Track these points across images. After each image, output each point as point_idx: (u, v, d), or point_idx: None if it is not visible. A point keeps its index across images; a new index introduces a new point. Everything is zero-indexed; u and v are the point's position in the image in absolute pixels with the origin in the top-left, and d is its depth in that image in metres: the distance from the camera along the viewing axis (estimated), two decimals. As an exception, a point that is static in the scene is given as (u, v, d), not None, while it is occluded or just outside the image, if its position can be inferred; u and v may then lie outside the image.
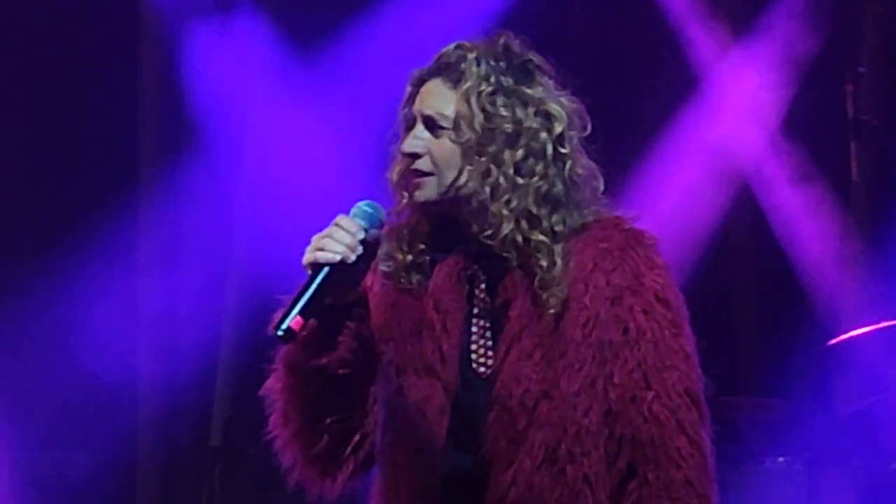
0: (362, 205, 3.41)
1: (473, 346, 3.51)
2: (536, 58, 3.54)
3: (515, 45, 3.52)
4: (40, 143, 9.60)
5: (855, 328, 7.16)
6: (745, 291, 9.36)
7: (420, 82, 3.53)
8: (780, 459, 7.26)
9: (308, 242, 3.40)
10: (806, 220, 8.88)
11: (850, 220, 8.79)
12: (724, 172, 8.78)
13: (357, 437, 3.57)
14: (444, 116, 3.46)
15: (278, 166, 9.29)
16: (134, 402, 9.53)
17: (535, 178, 3.53)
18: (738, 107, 9.16)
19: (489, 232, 3.47)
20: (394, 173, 3.53)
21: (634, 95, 9.41)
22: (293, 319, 3.28)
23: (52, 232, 9.35)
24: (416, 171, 3.48)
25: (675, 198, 8.75)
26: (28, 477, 9.14)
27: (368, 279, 3.58)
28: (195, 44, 9.48)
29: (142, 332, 9.47)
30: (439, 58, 3.54)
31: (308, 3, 9.40)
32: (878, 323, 7.07)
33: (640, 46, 9.82)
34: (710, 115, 8.92)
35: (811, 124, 8.80)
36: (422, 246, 3.62)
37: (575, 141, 3.54)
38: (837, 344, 7.13)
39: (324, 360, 3.43)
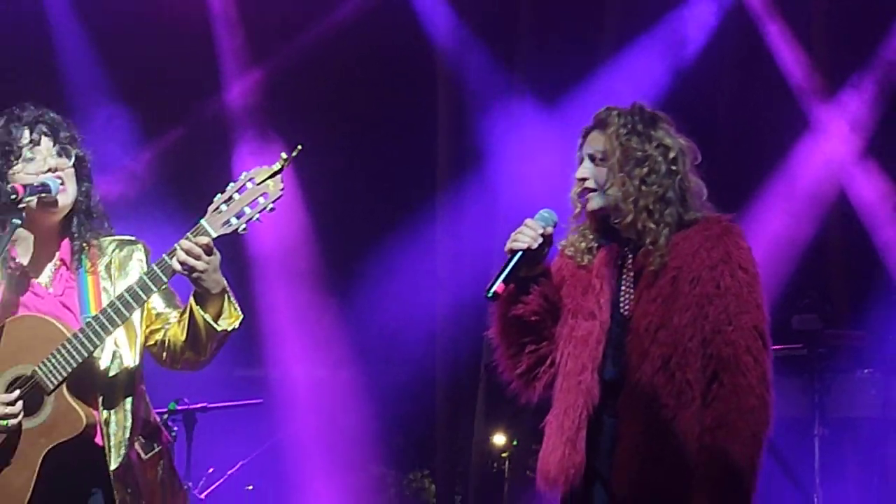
0: (542, 211, 4.61)
1: (621, 299, 4.60)
2: (661, 114, 4.68)
3: (644, 106, 4.68)
4: (365, 166, 11.02)
5: None
6: (837, 266, 10.30)
7: (586, 133, 4.66)
8: (866, 371, 8.37)
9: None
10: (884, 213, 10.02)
11: None
12: (822, 195, 9.80)
13: (547, 362, 4.64)
14: (599, 151, 4.56)
15: (529, 191, 9.95)
16: (431, 339, 11.05)
17: (654, 187, 4.51)
18: (841, 141, 10.16)
19: (618, 220, 4.55)
20: (573, 193, 4.64)
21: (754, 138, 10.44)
22: (497, 286, 4.48)
23: (377, 230, 10.85)
24: (585, 189, 4.58)
25: (790, 209, 9.86)
26: (364, 385, 10.71)
27: (556, 262, 4.71)
28: (477, 91, 10.76)
29: (438, 296, 11.01)
30: (596, 117, 4.68)
31: (555, 65, 10.56)
32: None
33: (765, 109, 10.71)
34: (817, 149, 9.97)
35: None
36: (591, 238, 4.68)
37: (687, 165, 4.60)
38: None
39: (520, 311, 4.58)
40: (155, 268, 4.57)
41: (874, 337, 8.51)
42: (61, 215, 4.80)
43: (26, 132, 4.82)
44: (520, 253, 4.52)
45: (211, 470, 8.21)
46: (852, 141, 10.19)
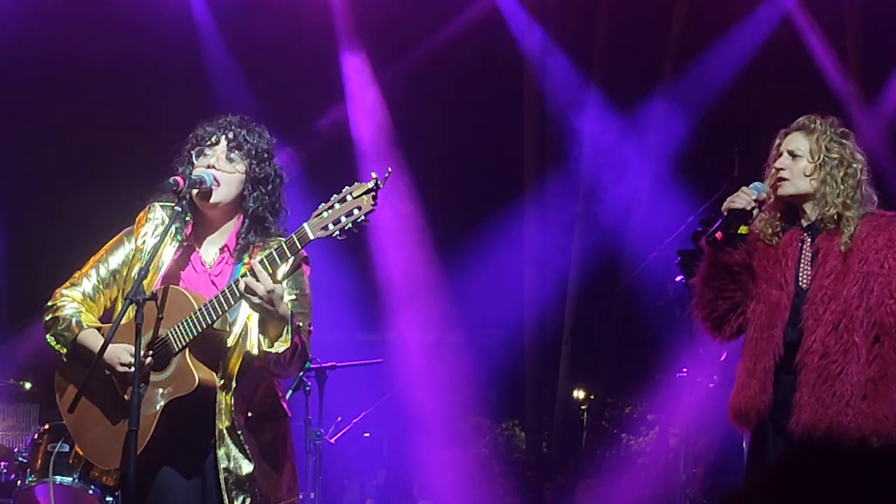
0: (756, 183, 4.83)
1: (801, 274, 4.84)
2: (848, 130, 4.92)
3: (838, 120, 4.89)
4: (466, 161, 11.13)
5: None
6: None
7: (785, 135, 4.88)
8: None
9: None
10: None
11: None
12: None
13: (739, 310, 4.92)
14: (801, 150, 4.80)
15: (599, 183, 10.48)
16: (521, 308, 11.16)
17: (849, 187, 4.79)
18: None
19: (825, 209, 4.78)
20: (768, 181, 4.86)
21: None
22: (717, 233, 4.75)
23: (476, 217, 10.96)
24: (781, 178, 4.82)
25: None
26: (465, 347, 10.71)
27: (752, 235, 4.88)
28: (559, 96, 10.76)
29: (527, 272, 11.19)
30: (798, 122, 4.88)
31: (628, 72, 10.68)
32: None
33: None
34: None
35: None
36: (777, 222, 4.92)
37: (866, 174, 4.84)
38: None
39: (728, 258, 4.84)
40: (234, 284, 4.65)
41: None
42: (220, 209, 4.88)
43: (214, 135, 4.89)
44: (735, 212, 4.83)
45: (339, 419, 8.25)
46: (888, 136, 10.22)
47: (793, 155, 4.85)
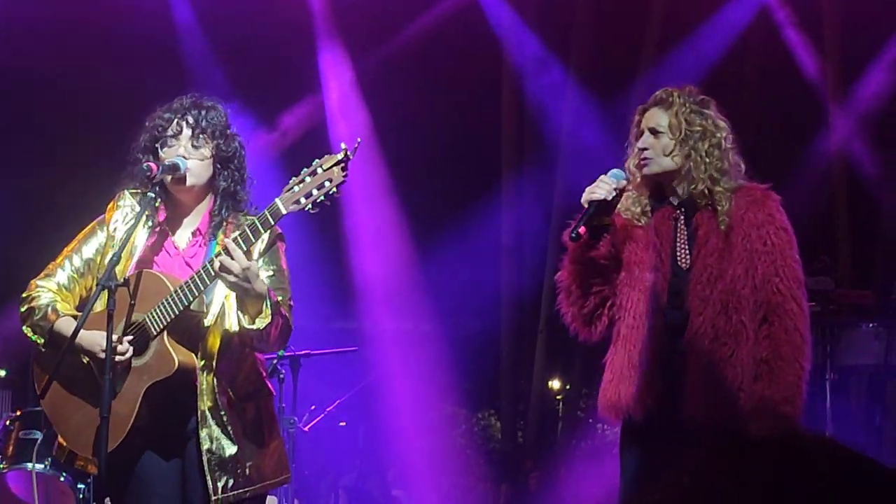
0: (614, 170, 4.66)
1: (678, 253, 4.70)
2: (708, 98, 4.78)
3: (695, 89, 4.76)
4: (443, 150, 11.06)
5: None
6: (845, 235, 10.35)
7: (643, 111, 4.76)
8: (871, 325, 8.43)
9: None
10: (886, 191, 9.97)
11: None
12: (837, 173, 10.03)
13: (609, 303, 4.72)
14: (661, 126, 4.65)
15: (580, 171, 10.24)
16: (497, 298, 11.20)
17: (714, 159, 4.62)
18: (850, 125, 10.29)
19: (692, 186, 4.62)
20: (630, 162, 4.73)
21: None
22: (580, 229, 4.53)
23: (452, 206, 11.01)
24: (645, 158, 4.66)
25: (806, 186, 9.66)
26: (441, 337, 10.68)
27: (618, 219, 4.70)
28: (536, 87, 10.83)
29: (503, 262, 11.24)
30: (655, 97, 4.76)
31: (605, 60, 10.76)
32: None
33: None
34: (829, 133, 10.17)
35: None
36: (646, 201, 4.75)
37: (730, 142, 4.68)
38: None
39: (592, 253, 4.66)
40: (208, 264, 4.63)
41: (878, 295, 8.73)
42: (192, 193, 4.88)
43: (175, 122, 4.87)
44: (595, 203, 4.61)
45: (313, 407, 8.25)
46: (860, 124, 10.33)
47: (654, 132, 4.73)
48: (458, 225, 10.72)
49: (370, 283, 10.64)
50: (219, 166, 4.89)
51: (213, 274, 4.58)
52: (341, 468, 8.71)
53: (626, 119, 7.87)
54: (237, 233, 4.65)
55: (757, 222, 4.64)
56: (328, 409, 8.16)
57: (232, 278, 4.51)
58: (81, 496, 7.21)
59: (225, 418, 4.82)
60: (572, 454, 10.60)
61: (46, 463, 7.22)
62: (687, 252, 4.75)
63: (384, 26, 10.65)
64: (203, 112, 4.91)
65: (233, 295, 4.70)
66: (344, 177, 4.55)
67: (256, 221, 4.59)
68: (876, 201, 9.81)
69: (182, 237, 4.93)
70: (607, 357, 4.81)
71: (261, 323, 4.64)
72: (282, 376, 7.50)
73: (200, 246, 4.90)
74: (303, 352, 7.74)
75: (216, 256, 4.56)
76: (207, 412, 4.78)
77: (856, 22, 10.34)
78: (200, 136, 4.88)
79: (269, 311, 4.64)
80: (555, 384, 11.32)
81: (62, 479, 7.26)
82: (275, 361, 7.39)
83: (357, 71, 10.72)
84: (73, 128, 9.96)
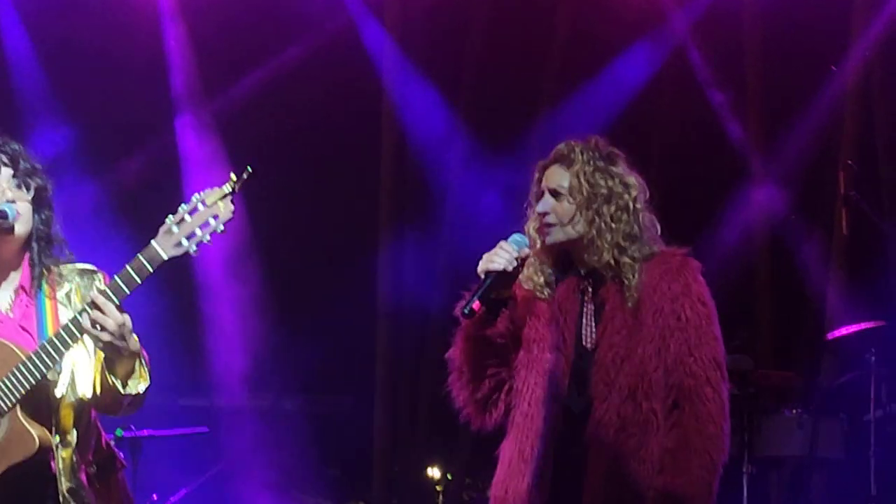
0: (515, 235, 4.57)
1: (584, 331, 4.59)
2: (615, 149, 4.66)
3: (602, 142, 4.63)
4: (310, 201, 10.93)
5: (841, 328, 8.30)
6: (766, 309, 10.47)
7: (543, 169, 4.63)
8: (794, 411, 8.34)
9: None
10: (813, 261, 10.24)
11: (838, 260, 10.17)
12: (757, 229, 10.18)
13: (506, 387, 4.62)
14: (563, 187, 4.53)
15: (469, 229, 10.21)
16: (371, 372, 10.98)
17: (622, 224, 4.52)
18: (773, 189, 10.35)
19: (596, 258, 4.53)
20: (530, 227, 4.64)
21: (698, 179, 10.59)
22: (474, 303, 4.45)
23: (321, 263, 10.99)
24: (546, 223, 4.56)
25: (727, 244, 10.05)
26: (305, 416, 10.47)
27: (518, 290, 4.66)
28: (422, 138, 10.81)
29: (378, 329, 11.06)
30: (556, 152, 4.63)
31: (497, 113, 10.71)
32: (856, 325, 8.14)
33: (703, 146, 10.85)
34: (750, 195, 10.20)
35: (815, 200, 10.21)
36: (549, 271, 4.66)
37: (642, 201, 4.60)
38: (832, 339, 8.30)
39: (488, 332, 4.54)
40: (77, 316, 4.53)
41: (802, 378, 8.59)
42: (19, 243, 4.75)
43: None
44: (493, 274, 4.47)
45: (155, 497, 8.09)
46: (784, 190, 10.33)
47: (555, 193, 4.60)
48: (330, 288, 10.63)
49: (225, 352, 10.47)
50: (37, 208, 4.91)
51: (78, 334, 4.54)
52: None
53: (521, 172, 7.41)
54: (106, 284, 4.63)
55: (672, 295, 4.51)
56: (172, 501, 8.09)
57: (106, 336, 4.45)
58: None
59: (86, 497, 4.69)
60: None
61: None
62: (592, 330, 4.64)
63: (244, 58, 10.69)
64: (17, 149, 4.90)
65: (81, 361, 4.72)
66: (231, 212, 4.45)
67: (131, 269, 4.52)
68: (801, 270, 9.99)
69: (3, 299, 4.87)
70: (500, 448, 4.67)
71: (138, 386, 4.63)
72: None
73: (28, 306, 4.86)
74: (145, 432, 7.74)
75: (83, 313, 4.52)
76: (69, 495, 4.63)
77: (778, 85, 10.57)
78: (24, 177, 4.86)
79: (145, 372, 4.66)
80: (434, 472, 10.98)
81: None
82: (111, 442, 7.17)
83: (212, 110, 10.67)
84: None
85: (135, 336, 4.59)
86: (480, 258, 4.50)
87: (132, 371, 4.59)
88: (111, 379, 4.56)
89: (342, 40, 10.49)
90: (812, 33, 10.11)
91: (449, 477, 10.96)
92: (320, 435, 10.34)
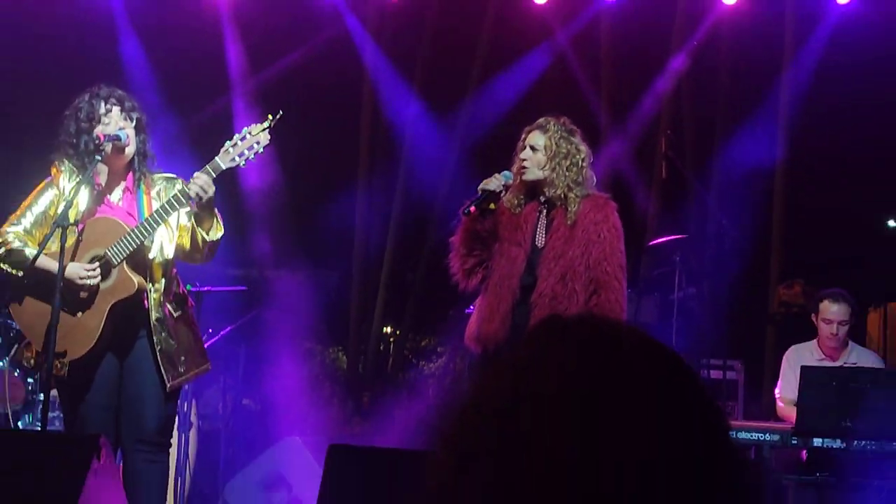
0: (506, 171, 4.89)
1: (537, 236, 4.85)
2: (575, 127, 4.98)
3: (568, 120, 4.95)
4: (314, 150, 10.63)
5: (657, 239, 8.02)
6: None
7: (528, 132, 4.90)
8: (627, 290, 6.67)
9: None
10: (641, 195, 9.94)
11: (657, 194, 9.81)
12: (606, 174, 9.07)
13: (484, 265, 4.93)
14: (539, 145, 4.82)
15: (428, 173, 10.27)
16: (349, 260, 10.73)
17: (573, 174, 4.81)
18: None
19: (552, 192, 4.80)
20: (514, 168, 4.89)
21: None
22: (471, 208, 4.77)
23: (326, 189, 10.73)
24: (524, 167, 4.85)
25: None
26: (309, 284, 10.22)
27: (500, 205, 4.90)
28: (394, 106, 10.59)
29: (357, 237, 10.79)
30: (537, 122, 4.93)
31: (450, 84, 10.56)
32: (667, 237, 7.83)
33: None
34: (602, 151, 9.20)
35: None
36: (521, 197, 4.95)
37: (587, 162, 4.93)
38: (651, 245, 8.07)
39: (478, 227, 4.87)
40: (182, 192, 4.73)
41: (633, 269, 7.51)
42: (127, 159, 4.93)
43: (103, 104, 4.87)
44: (488, 191, 4.84)
45: (210, 331, 7.97)
46: (627, 148, 10.12)
47: (533, 149, 4.88)
48: (332, 203, 10.64)
49: (260, 240, 10.35)
50: (136, 133, 4.94)
51: (182, 201, 4.71)
52: (227, 380, 8.44)
53: (457, 131, 8.43)
54: (199, 175, 4.78)
55: (595, 220, 4.84)
56: (221, 334, 8.01)
57: (207, 197, 4.67)
58: (30, 388, 7.10)
59: (168, 324, 4.85)
60: (398, 383, 10.62)
61: (3, 362, 7.10)
62: (543, 236, 4.89)
63: (272, 49, 10.33)
64: (122, 93, 4.98)
65: (165, 235, 4.82)
66: (268, 139, 4.73)
67: (209, 168, 4.73)
68: (634, 201, 9.75)
69: (116, 195, 4.96)
70: (476, 302, 4.97)
71: (215, 234, 4.81)
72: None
73: (131, 200, 4.94)
74: (205, 288, 7.58)
75: (188, 186, 4.71)
76: (156, 322, 4.82)
77: (624, 76, 10.39)
78: (127, 112, 4.91)
79: (220, 224, 4.84)
80: (388, 329, 11.35)
81: (16, 374, 7.15)
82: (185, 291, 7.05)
83: (253, 84, 10.32)
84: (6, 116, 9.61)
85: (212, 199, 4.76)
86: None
87: (212, 225, 4.81)
88: (200, 233, 4.78)
89: (336, 41, 10.26)
90: (647, 41, 10.03)
91: (398, 333, 11.34)
92: (316, 300, 10.22)
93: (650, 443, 1.19)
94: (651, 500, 1.16)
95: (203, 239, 4.80)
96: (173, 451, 5.44)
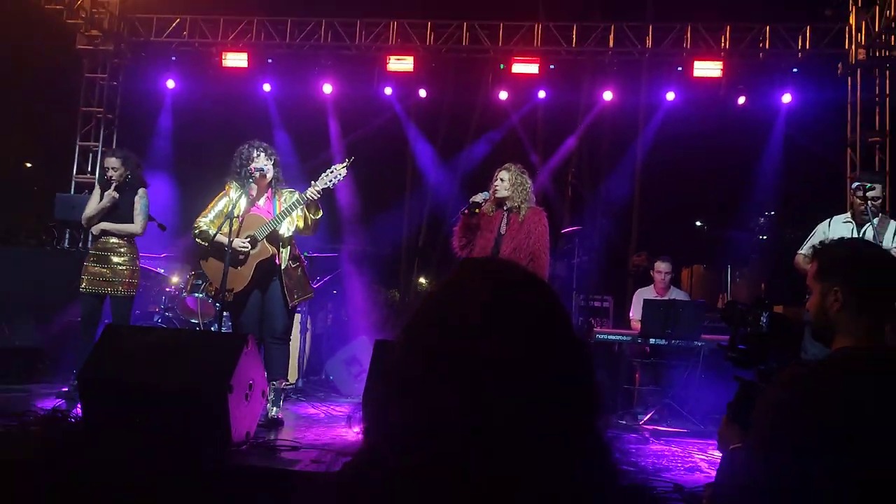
0: (483, 193, 5.02)
1: (502, 228, 4.93)
2: (524, 167, 5.15)
3: (522, 165, 5.13)
4: (363, 176, 9.92)
5: (566, 229, 7.46)
6: None
7: (498, 170, 5.09)
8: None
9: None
10: (558, 205, 9.62)
11: (568, 205, 9.66)
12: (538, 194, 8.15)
13: (472, 242, 5.00)
14: (505, 179, 5.02)
15: (441, 193, 10.32)
16: (399, 241, 10.99)
17: (524, 195, 4.99)
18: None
19: (512, 205, 4.94)
20: (490, 190, 5.03)
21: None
22: (465, 210, 4.91)
23: (383, 202, 10.60)
24: (496, 189, 5.01)
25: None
26: (373, 254, 9.71)
27: (481, 210, 5.04)
28: (422, 155, 10.69)
29: (405, 221, 10.94)
30: (504, 165, 5.12)
31: (454, 142, 10.65)
32: (571, 228, 7.45)
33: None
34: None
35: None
36: (493, 207, 5.05)
37: (531, 187, 5.12)
38: (564, 232, 7.48)
39: (471, 221, 4.99)
40: (300, 198, 4.72)
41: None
42: (267, 181, 4.94)
43: (255, 151, 4.93)
44: (476, 202, 4.93)
45: (318, 278, 7.73)
46: (550, 179, 9.99)
47: (501, 180, 5.05)
48: (386, 212, 11.06)
49: (347, 230, 10.52)
50: (273, 167, 5.05)
51: (304, 201, 4.69)
52: (327, 305, 8.40)
53: (456, 170, 8.50)
54: (309, 189, 4.77)
55: (534, 220, 4.97)
56: (324, 280, 7.97)
57: (316, 197, 4.80)
58: (217, 308, 6.94)
59: (289, 272, 4.91)
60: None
61: (201, 293, 7.45)
62: (505, 228, 4.90)
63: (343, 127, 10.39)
64: (266, 145, 5.08)
65: (287, 224, 4.76)
66: (345, 173, 4.73)
67: (315, 184, 4.76)
68: (554, 210, 8.87)
69: (261, 201, 4.99)
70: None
71: (317, 215, 4.84)
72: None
73: (269, 205, 4.98)
74: (314, 254, 7.81)
75: (306, 193, 4.72)
76: (283, 271, 4.86)
77: (549, 140, 10.06)
78: (270, 156, 5.03)
79: (320, 210, 4.94)
80: (422, 279, 11.28)
81: (209, 301, 7.44)
82: (302, 257, 6.25)
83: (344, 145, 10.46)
84: (203, 159, 9.43)
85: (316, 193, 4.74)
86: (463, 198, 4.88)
87: (316, 210, 4.78)
88: (309, 216, 4.78)
89: (390, 119, 10.25)
90: (563, 119, 10.05)
91: (428, 280, 11.07)
92: (380, 263, 10.05)
93: (535, 327, 1.23)
94: (538, 359, 1.20)
95: (311, 218, 4.81)
96: (295, 344, 5.64)
